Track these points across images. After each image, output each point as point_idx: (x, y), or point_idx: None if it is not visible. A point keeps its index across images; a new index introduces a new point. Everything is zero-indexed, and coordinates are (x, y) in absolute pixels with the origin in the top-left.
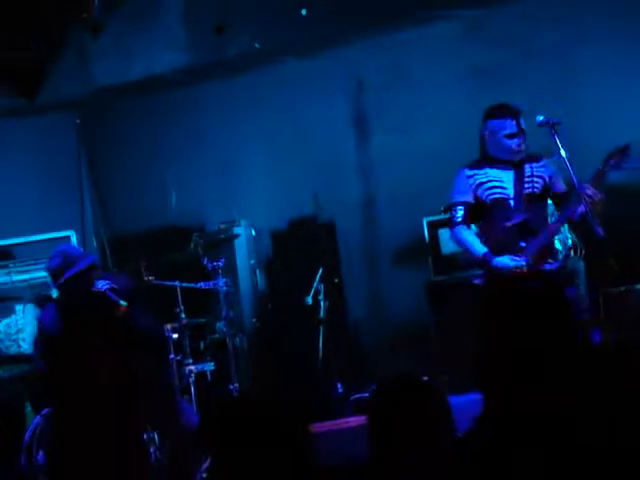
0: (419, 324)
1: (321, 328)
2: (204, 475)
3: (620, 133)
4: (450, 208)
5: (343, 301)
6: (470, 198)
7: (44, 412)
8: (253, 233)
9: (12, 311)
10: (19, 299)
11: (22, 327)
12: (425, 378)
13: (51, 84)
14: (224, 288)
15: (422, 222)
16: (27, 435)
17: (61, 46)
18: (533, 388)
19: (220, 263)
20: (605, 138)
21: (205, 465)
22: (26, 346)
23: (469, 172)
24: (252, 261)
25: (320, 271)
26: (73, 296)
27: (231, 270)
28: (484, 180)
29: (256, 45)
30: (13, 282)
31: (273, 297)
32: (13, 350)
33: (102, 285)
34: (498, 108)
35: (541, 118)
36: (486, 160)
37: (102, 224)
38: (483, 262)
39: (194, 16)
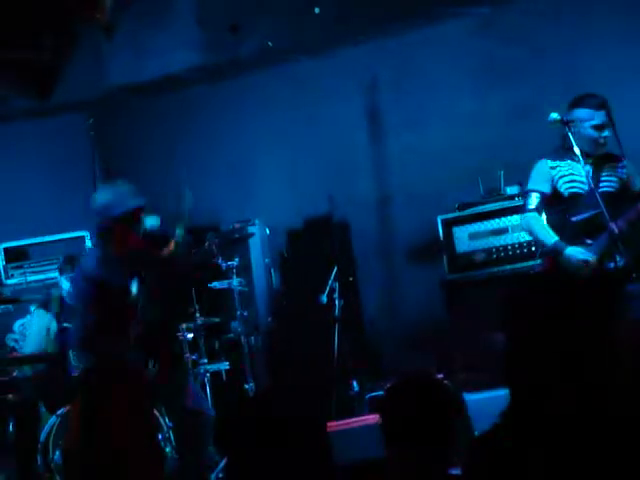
0: (434, 322)
1: (336, 326)
2: (220, 475)
3: (632, 131)
4: (525, 194)
5: (358, 299)
6: (548, 188)
7: (59, 412)
8: (268, 232)
9: (27, 311)
10: (34, 299)
11: (29, 328)
12: (440, 376)
13: (65, 84)
14: (239, 287)
15: (436, 220)
16: (42, 435)
17: (75, 46)
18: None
19: (235, 262)
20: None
21: (221, 465)
22: (27, 349)
23: (552, 163)
24: (267, 260)
25: (335, 270)
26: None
27: (246, 269)
28: (566, 173)
29: (269, 44)
30: (28, 282)
31: (288, 296)
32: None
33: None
34: (588, 97)
35: (555, 115)
36: (568, 151)
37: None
38: (554, 250)
39: (208, 15)
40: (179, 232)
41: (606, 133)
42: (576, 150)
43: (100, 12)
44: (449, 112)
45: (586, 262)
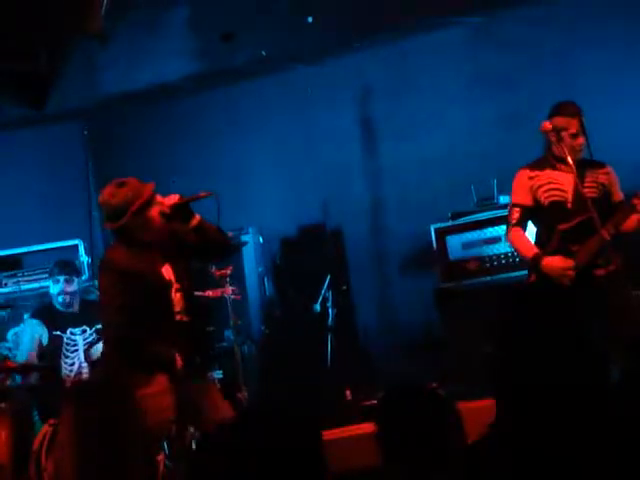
0: (427, 330)
1: (329, 335)
2: None
3: (627, 138)
4: (509, 209)
5: (351, 308)
6: (528, 200)
7: (52, 421)
8: (261, 240)
9: (21, 320)
10: (26, 308)
11: (20, 338)
12: (433, 385)
13: (59, 94)
14: (232, 296)
15: (430, 229)
16: (35, 444)
17: (68, 56)
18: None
19: (228, 271)
20: (612, 144)
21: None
22: (20, 358)
23: (530, 173)
24: (260, 268)
25: (328, 278)
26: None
27: (239, 278)
28: (544, 182)
29: (263, 53)
30: (22, 291)
31: (281, 305)
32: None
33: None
34: (563, 105)
35: (547, 124)
36: (548, 160)
37: (110, 233)
38: (532, 263)
39: (201, 24)
40: (204, 195)
41: (580, 140)
42: (569, 160)
43: (94, 21)
44: (443, 121)
45: (564, 269)
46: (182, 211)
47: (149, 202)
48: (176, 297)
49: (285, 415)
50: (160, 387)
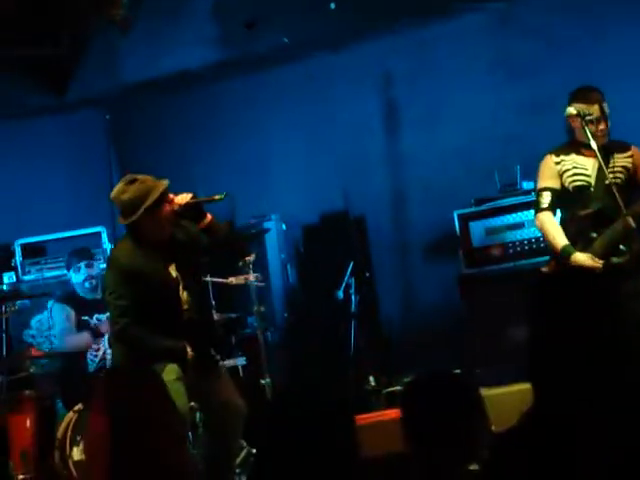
0: (451, 317)
1: (352, 322)
2: (248, 468)
3: None
4: (537, 193)
5: (374, 295)
6: (557, 184)
7: (76, 408)
8: (284, 227)
9: (44, 307)
10: (50, 296)
11: (52, 324)
12: (457, 371)
13: (81, 81)
14: (255, 283)
15: (453, 215)
16: (60, 432)
17: (90, 42)
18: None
19: (251, 257)
20: (634, 129)
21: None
22: (57, 342)
23: (556, 159)
24: (283, 255)
25: (351, 265)
26: (151, 228)
27: (262, 265)
28: (569, 167)
29: (285, 40)
30: (45, 278)
31: (304, 291)
32: (45, 347)
33: (180, 199)
34: (583, 91)
35: (571, 110)
36: (573, 145)
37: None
38: (562, 255)
39: (224, 11)
40: (218, 197)
41: (602, 126)
42: (593, 144)
43: (116, 8)
44: (465, 107)
45: (594, 269)
46: (194, 211)
47: (161, 200)
48: (183, 295)
49: (318, 399)
50: (173, 375)
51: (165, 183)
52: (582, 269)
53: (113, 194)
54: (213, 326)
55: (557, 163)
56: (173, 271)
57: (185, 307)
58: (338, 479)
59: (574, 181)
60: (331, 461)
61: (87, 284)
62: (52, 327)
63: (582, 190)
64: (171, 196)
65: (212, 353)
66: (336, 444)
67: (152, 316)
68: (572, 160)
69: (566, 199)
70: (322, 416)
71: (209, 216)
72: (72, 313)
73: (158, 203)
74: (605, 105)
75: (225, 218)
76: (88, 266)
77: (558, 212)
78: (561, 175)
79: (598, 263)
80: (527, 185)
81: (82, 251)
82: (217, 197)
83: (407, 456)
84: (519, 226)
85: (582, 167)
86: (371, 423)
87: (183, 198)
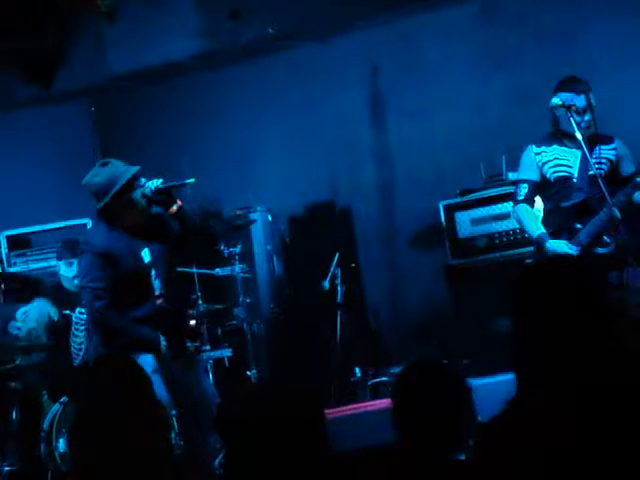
0: (437, 308)
1: (338, 312)
2: (222, 461)
3: (633, 113)
4: (515, 184)
5: (360, 285)
6: (536, 176)
7: (62, 400)
8: (270, 218)
9: (31, 299)
10: (36, 287)
11: (27, 316)
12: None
13: (66, 72)
14: (241, 274)
15: (438, 206)
16: (45, 424)
17: (76, 34)
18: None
19: (237, 249)
20: (620, 118)
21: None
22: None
23: (537, 149)
24: (269, 247)
25: (337, 256)
26: (122, 212)
27: (248, 256)
28: (550, 158)
29: (270, 30)
30: (30, 270)
31: (290, 282)
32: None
33: (150, 184)
34: (569, 81)
35: (557, 100)
36: (556, 136)
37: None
38: (537, 243)
39: (209, 2)
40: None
41: (588, 117)
42: (578, 135)
43: None
44: (451, 98)
45: (567, 256)
46: (164, 196)
47: (131, 184)
48: (155, 283)
49: (285, 390)
50: (149, 368)
51: (136, 168)
52: (557, 257)
53: (86, 178)
54: (184, 317)
55: (537, 154)
56: (146, 256)
57: (156, 293)
58: (304, 473)
59: (556, 172)
60: (296, 456)
61: (76, 281)
62: (26, 319)
63: (564, 181)
64: (143, 181)
65: (187, 344)
66: (302, 438)
67: (124, 300)
68: (553, 151)
69: (549, 190)
70: (288, 409)
71: (179, 202)
72: (52, 311)
73: (129, 186)
74: (591, 96)
75: (212, 210)
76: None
77: (541, 203)
78: (542, 166)
79: (572, 250)
80: (512, 176)
81: (75, 245)
82: (187, 182)
83: (394, 446)
84: (505, 217)
85: (564, 158)
86: (356, 414)
87: (153, 183)
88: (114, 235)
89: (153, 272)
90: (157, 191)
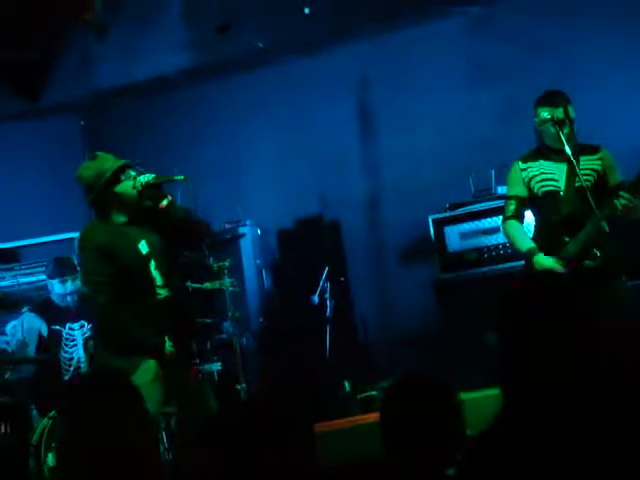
0: (426, 322)
1: (328, 327)
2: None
3: (625, 128)
4: (505, 202)
5: (349, 300)
6: (523, 192)
7: (51, 414)
8: (259, 232)
9: (20, 313)
10: (25, 301)
11: (15, 331)
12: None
13: (55, 86)
14: (230, 288)
15: (428, 220)
16: (34, 438)
17: (64, 48)
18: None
19: (226, 263)
20: (609, 134)
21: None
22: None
23: (522, 165)
24: (258, 261)
25: (326, 270)
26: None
27: (237, 270)
28: (537, 173)
29: (259, 44)
30: (19, 284)
31: (279, 296)
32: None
33: (142, 178)
34: (547, 96)
35: (545, 114)
36: (542, 151)
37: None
38: (526, 257)
39: (197, 16)
40: (179, 179)
41: (567, 130)
42: (567, 149)
43: (90, 13)
44: (440, 111)
45: (555, 270)
46: (154, 191)
47: (118, 177)
48: (156, 273)
49: (276, 408)
50: (150, 376)
51: (124, 161)
52: (545, 271)
53: (77, 172)
54: (188, 306)
55: (523, 170)
56: (144, 248)
57: (158, 284)
58: None
59: (543, 187)
60: (286, 469)
61: (69, 298)
62: (15, 333)
63: (552, 195)
64: (134, 176)
65: (186, 343)
66: (290, 452)
67: (126, 294)
68: (539, 166)
69: (537, 205)
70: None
71: (169, 197)
72: (41, 327)
73: (117, 176)
74: (570, 108)
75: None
76: (74, 279)
77: (531, 217)
78: (528, 182)
79: (560, 265)
80: (502, 190)
81: (69, 263)
82: (177, 178)
83: (383, 460)
84: (494, 231)
85: (550, 172)
86: (346, 428)
87: (144, 178)
88: (108, 229)
89: (153, 262)
90: (147, 185)
